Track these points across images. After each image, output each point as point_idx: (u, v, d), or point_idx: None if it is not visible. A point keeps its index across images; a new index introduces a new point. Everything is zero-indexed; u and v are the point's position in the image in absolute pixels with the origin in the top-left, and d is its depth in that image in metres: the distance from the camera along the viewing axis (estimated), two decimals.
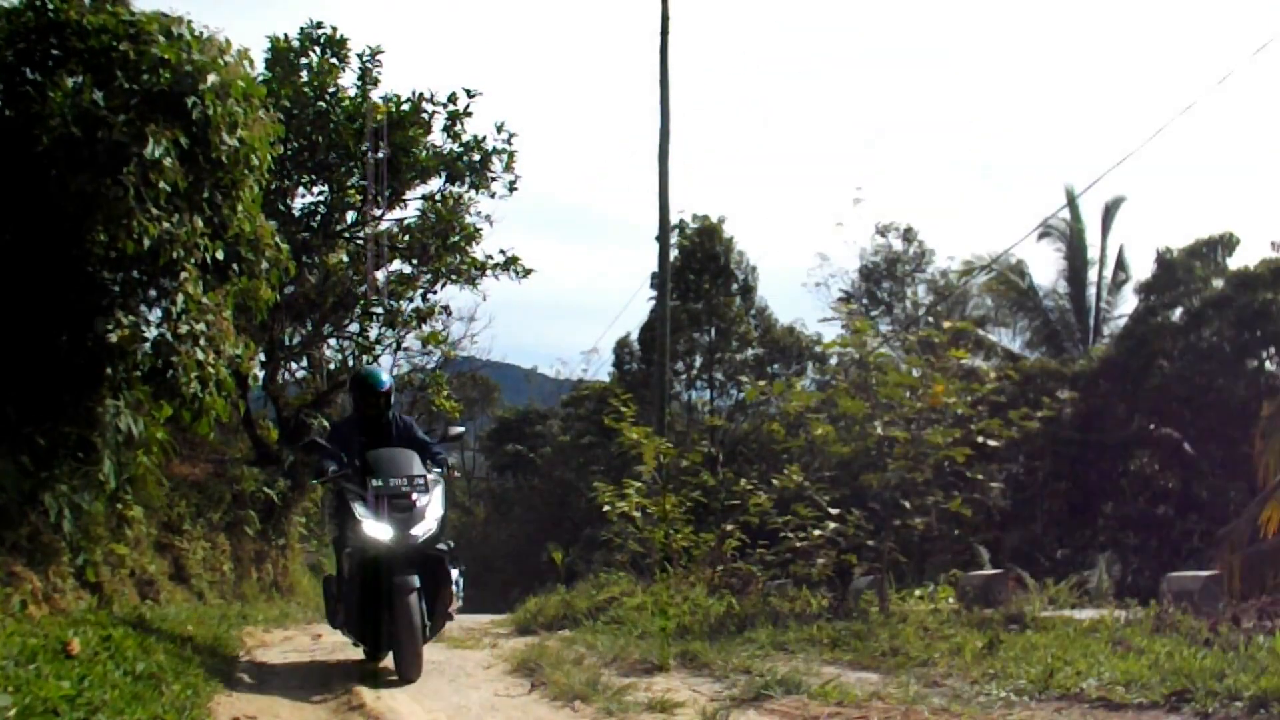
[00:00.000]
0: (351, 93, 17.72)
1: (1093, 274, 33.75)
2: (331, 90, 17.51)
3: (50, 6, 8.25)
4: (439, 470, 8.36)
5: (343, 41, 17.59)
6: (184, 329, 8.59)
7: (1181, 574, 13.08)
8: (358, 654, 8.94)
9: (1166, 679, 6.55)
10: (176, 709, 5.64)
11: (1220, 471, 26.76)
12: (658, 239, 21.04)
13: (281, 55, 17.24)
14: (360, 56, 17.82)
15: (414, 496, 7.88)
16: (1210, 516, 25.39)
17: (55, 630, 6.60)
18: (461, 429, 9.69)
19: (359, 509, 7.81)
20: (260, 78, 14.40)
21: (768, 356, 35.44)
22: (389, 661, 8.14)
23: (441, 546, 8.04)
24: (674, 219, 28.29)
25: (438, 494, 8.12)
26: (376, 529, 7.72)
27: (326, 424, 17.01)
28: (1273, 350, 28.63)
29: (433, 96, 17.86)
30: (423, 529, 7.82)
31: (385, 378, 8.97)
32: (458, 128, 18.19)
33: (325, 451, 8.24)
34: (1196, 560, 21.37)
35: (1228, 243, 31.15)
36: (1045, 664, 7.41)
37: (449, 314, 21.74)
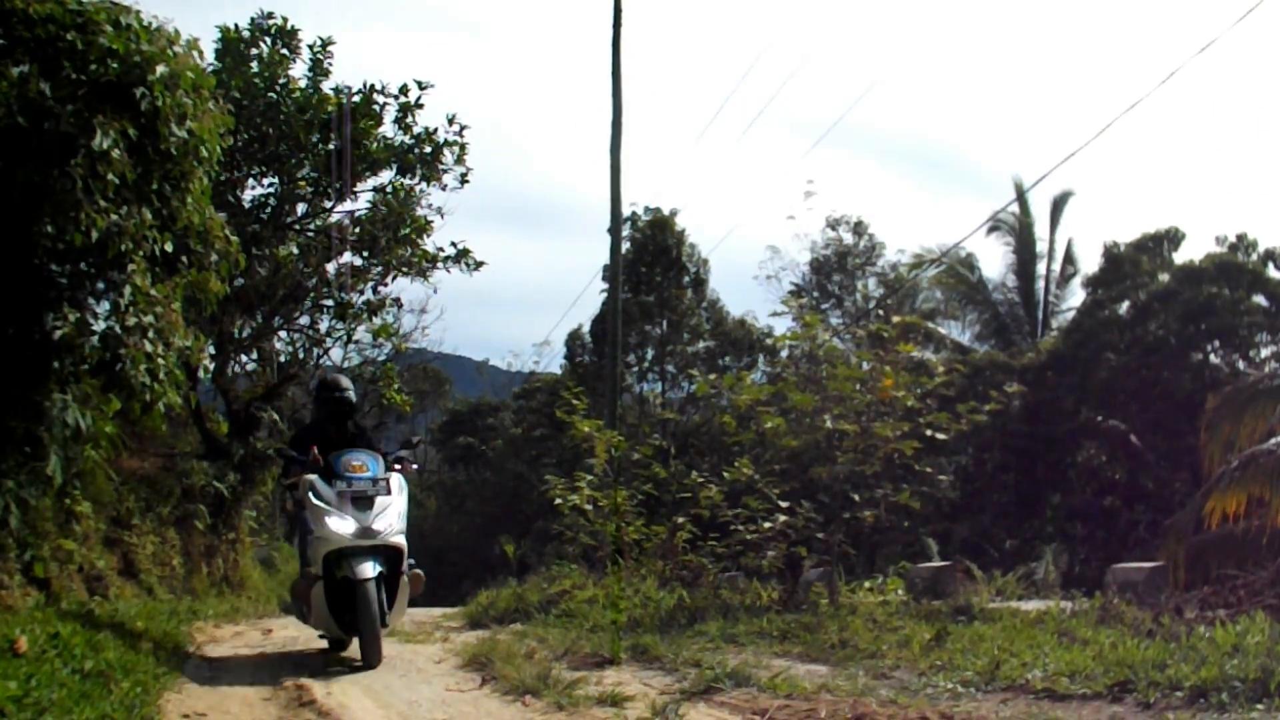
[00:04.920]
0: (302, 84, 17.57)
1: (1041, 268, 34.16)
2: (282, 81, 17.32)
3: None
4: (399, 466, 8.86)
5: (293, 32, 17.41)
6: (132, 321, 8.49)
7: (1126, 565, 13.24)
8: (309, 647, 8.93)
9: (1110, 670, 6.67)
10: (126, 707, 5.61)
11: (1166, 463, 27.12)
12: (610, 231, 21.07)
13: (231, 46, 17.05)
14: (311, 48, 17.64)
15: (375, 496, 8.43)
16: (1156, 507, 25.71)
17: (2, 628, 6.54)
18: (418, 437, 10.58)
19: (321, 505, 8.27)
20: (210, 68, 14.27)
21: (719, 349, 35.57)
22: (353, 651, 8.52)
23: (399, 540, 8.38)
24: (626, 211, 28.30)
25: (397, 488, 8.63)
26: (340, 524, 8.22)
27: (283, 426, 17.30)
28: (1217, 344, 29.08)
29: (384, 88, 17.72)
30: (383, 523, 8.28)
31: (349, 384, 9.44)
32: (409, 120, 18.05)
33: (293, 459, 8.77)
34: (1142, 551, 21.67)
35: (1174, 237, 31.67)
36: (992, 655, 7.52)
37: (400, 306, 21.62)
